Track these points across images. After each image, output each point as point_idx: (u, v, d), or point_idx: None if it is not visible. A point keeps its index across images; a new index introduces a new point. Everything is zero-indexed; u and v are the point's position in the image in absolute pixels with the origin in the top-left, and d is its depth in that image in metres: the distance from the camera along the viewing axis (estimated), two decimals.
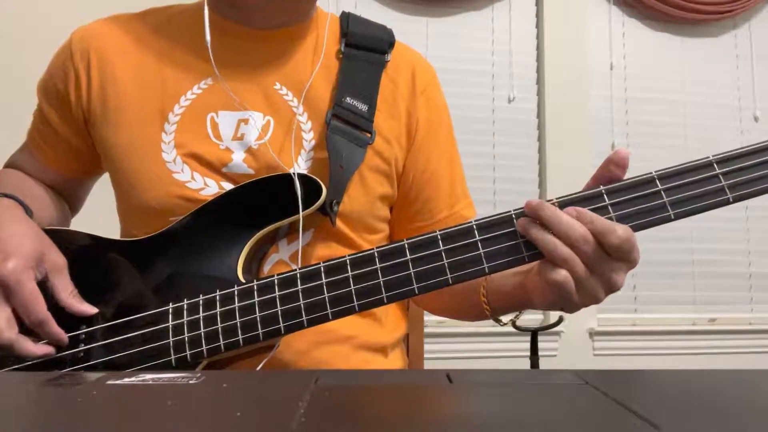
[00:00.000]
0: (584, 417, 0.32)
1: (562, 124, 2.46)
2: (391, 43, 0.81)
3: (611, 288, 0.57)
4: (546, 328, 2.15)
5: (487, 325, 2.33)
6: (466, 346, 2.30)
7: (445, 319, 2.25)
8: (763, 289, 2.60)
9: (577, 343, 2.41)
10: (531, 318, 2.35)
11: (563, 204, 0.59)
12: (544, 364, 2.17)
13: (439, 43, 2.42)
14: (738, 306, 2.58)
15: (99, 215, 0.89)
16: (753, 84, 2.68)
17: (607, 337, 2.43)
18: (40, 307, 0.61)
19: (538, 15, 2.51)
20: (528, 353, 2.14)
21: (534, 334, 2.14)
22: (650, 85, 2.59)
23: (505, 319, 0.73)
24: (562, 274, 0.56)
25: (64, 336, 0.63)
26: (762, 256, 2.62)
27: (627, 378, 0.42)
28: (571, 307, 0.59)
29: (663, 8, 2.53)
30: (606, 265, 0.56)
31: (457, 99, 2.33)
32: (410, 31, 2.38)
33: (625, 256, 0.56)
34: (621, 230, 0.55)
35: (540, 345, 2.13)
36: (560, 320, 2.44)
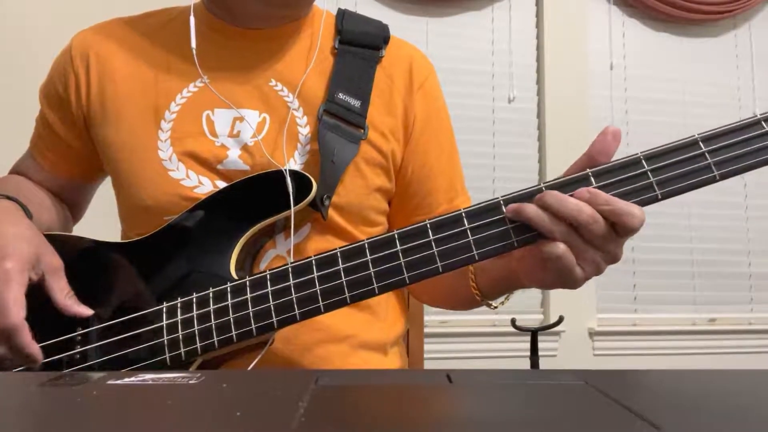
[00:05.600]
0: (584, 417, 0.32)
1: (562, 124, 2.46)
2: (385, 38, 0.81)
3: (613, 260, 0.58)
4: (546, 328, 2.14)
5: (487, 325, 2.33)
6: (466, 346, 2.30)
7: (446, 319, 2.27)
8: (763, 289, 2.60)
9: (577, 343, 2.40)
10: (531, 318, 2.35)
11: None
12: (544, 364, 2.17)
13: (439, 43, 2.42)
14: (738, 306, 2.59)
15: (99, 220, 0.89)
16: (753, 84, 2.68)
17: (607, 337, 2.43)
18: (14, 315, 0.58)
19: (538, 15, 2.51)
20: (528, 353, 2.14)
21: (534, 334, 2.13)
22: (650, 85, 2.59)
23: (495, 303, 0.72)
24: (560, 248, 0.56)
25: (34, 350, 0.60)
26: (762, 256, 2.62)
27: (627, 378, 0.42)
28: (572, 280, 0.58)
29: (663, 8, 2.53)
30: (611, 243, 0.57)
31: (457, 99, 2.33)
32: (410, 31, 2.38)
33: (632, 234, 0.56)
34: (638, 211, 0.55)
35: (540, 345, 2.13)
36: (560, 320, 2.44)
